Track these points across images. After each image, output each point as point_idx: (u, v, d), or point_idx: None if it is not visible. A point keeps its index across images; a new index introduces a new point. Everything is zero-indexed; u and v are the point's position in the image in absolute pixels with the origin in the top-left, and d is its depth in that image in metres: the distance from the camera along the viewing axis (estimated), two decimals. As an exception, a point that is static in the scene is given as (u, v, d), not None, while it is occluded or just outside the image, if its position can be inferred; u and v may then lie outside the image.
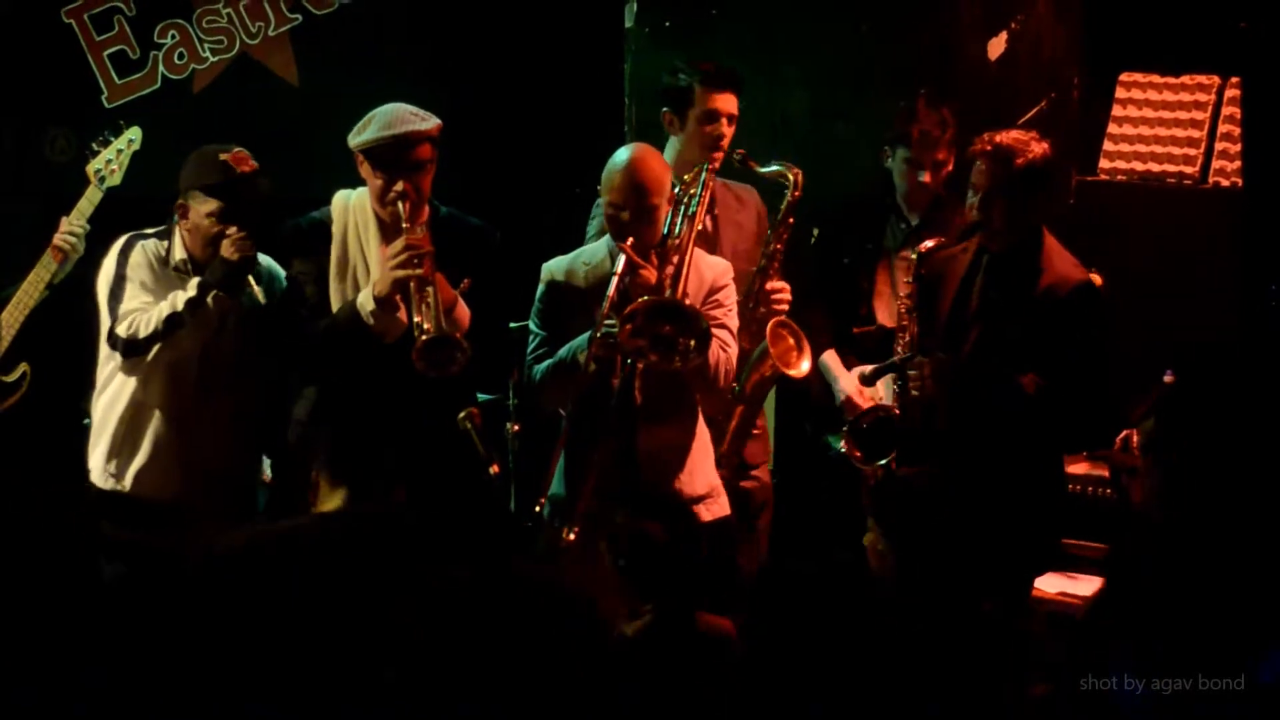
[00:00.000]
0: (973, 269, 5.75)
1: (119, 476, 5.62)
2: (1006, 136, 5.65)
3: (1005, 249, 5.69)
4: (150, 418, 5.63)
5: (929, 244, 5.77)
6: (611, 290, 5.36)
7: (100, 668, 3.62)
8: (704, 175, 5.89)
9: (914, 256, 5.77)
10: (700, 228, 6.05)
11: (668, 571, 4.49)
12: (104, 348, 5.62)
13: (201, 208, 5.52)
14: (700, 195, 5.79)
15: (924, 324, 5.71)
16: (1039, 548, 5.85)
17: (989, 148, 5.61)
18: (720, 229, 6.19)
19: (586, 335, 5.37)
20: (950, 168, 6.27)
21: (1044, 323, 5.59)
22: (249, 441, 5.81)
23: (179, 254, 5.59)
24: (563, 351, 5.49)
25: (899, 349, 5.74)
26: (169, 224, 5.64)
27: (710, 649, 4.45)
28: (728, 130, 6.14)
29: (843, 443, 5.88)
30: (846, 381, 6.17)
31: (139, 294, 5.54)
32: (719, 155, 6.11)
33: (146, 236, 5.64)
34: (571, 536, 5.40)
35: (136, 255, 5.58)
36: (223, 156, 5.51)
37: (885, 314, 6.32)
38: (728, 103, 6.14)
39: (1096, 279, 6.22)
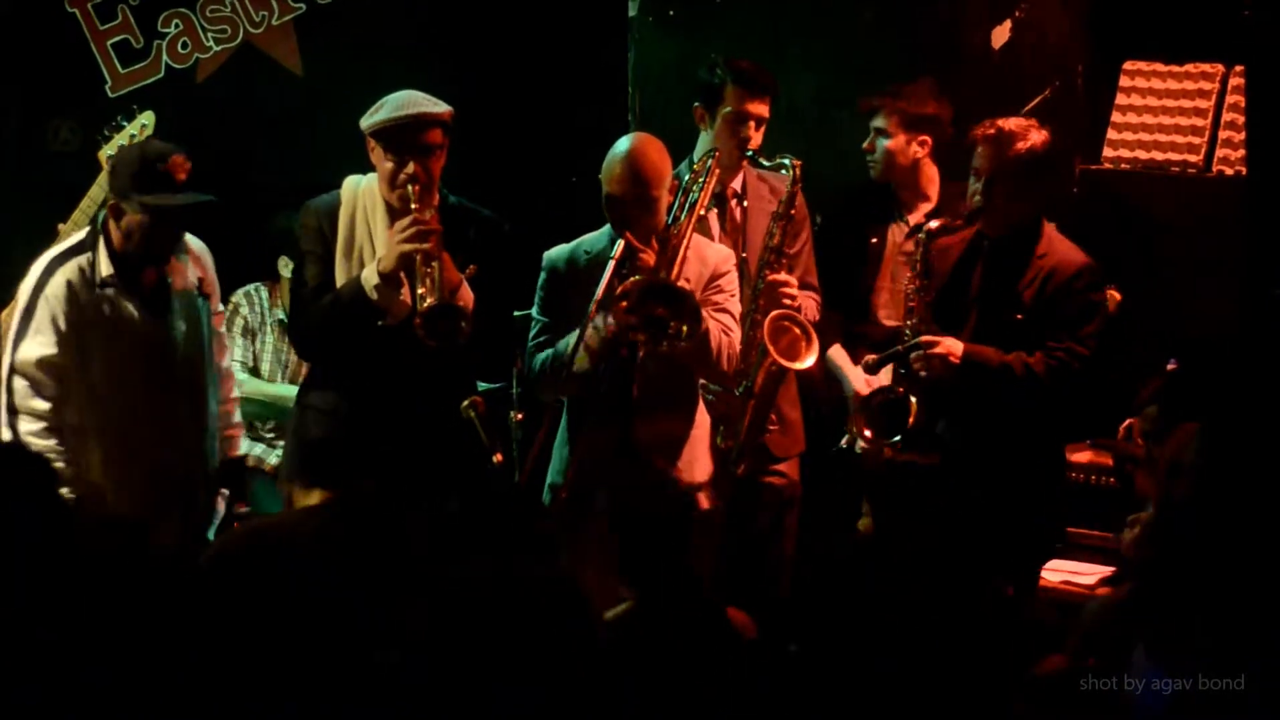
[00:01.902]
0: (970, 254, 5.77)
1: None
2: (1008, 123, 5.69)
3: (1004, 235, 5.70)
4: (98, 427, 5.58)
5: (934, 225, 5.78)
6: (607, 275, 5.37)
7: (97, 667, 3.62)
8: (710, 163, 5.90)
9: (921, 237, 5.76)
10: (729, 217, 6.11)
11: (659, 558, 4.48)
12: (4, 369, 5.52)
13: (135, 217, 5.44)
14: (705, 184, 5.79)
15: (932, 306, 5.71)
16: (1041, 534, 5.84)
17: (991, 133, 5.66)
18: (750, 219, 6.18)
19: (577, 332, 5.38)
20: (912, 151, 6.31)
21: (1047, 306, 5.61)
22: (203, 444, 5.76)
23: (105, 270, 5.50)
24: (558, 346, 5.51)
25: (905, 331, 5.72)
26: (94, 231, 5.55)
27: (726, 642, 4.46)
28: (755, 134, 6.13)
29: (854, 422, 5.88)
30: (855, 376, 6.19)
31: (46, 328, 5.46)
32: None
33: (68, 255, 5.52)
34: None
35: (55, 285, 5.48)
36: (162, 167, 5.41)
37: (885, 311, 6.33)
38: (758, 106, 6.12)
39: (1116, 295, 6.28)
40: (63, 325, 5.47)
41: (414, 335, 5.30)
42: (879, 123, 6.37)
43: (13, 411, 5.47)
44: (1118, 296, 6.31)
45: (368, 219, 5.59)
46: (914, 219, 6.36)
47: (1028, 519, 5.66)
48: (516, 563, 3.94)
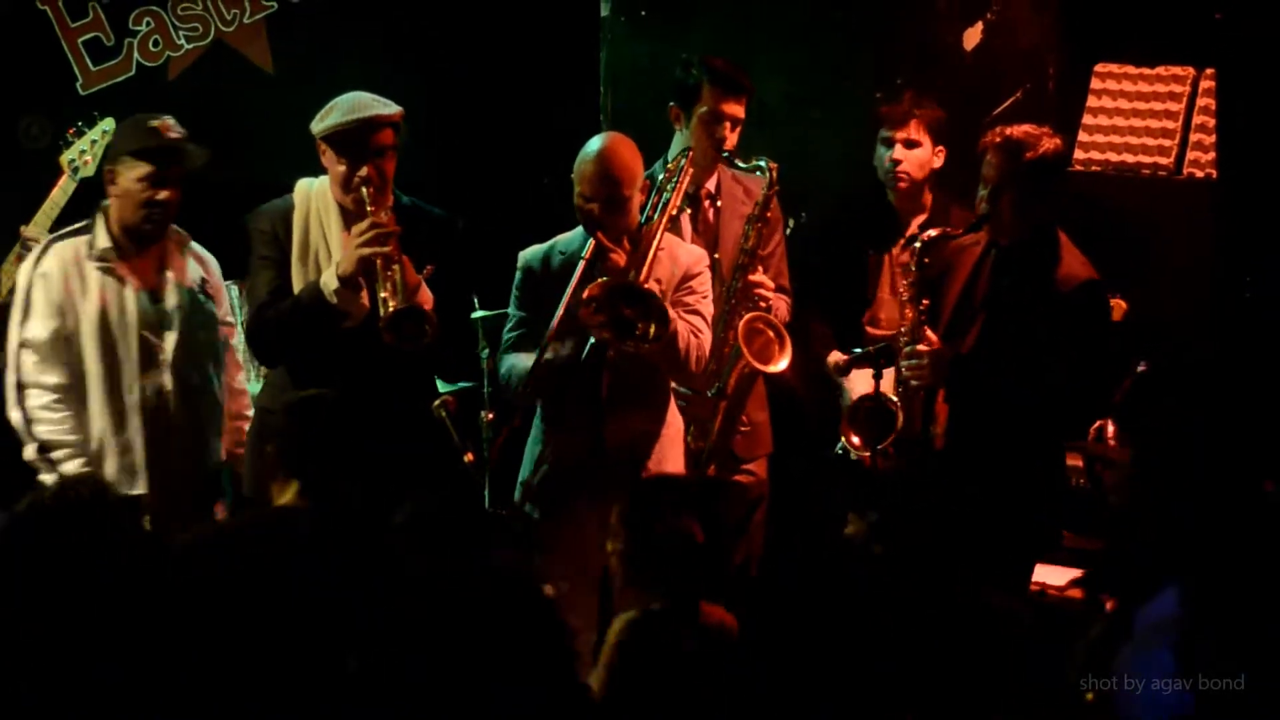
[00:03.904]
0: (981, 262, 5.69)
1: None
2: (1018, 130, 5.58)
3: (1013, 243, 5.61)
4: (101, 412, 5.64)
5: (932, 232, 5.70)
6: (577, 275, 5.36)
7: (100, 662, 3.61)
8: (683, 162, 5.89)
9: (917, 246, 5.70)
10: (701, 217, 6.12)
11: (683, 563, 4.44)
12: (11, 348, 5.60)
13: (131, 173, 5.53)
14: (677, 184, 5.79)
15: (925, 313, 5.66)
16: (1040, 536, 5.80)
17: (999, 140, 5.56)
18: (723, 220, 6.18)
19: (529, 365, 5.40)
20: (934, 161, 6.27)
21: (1047, 317, 5.52)
22: (209, 429, 5.82)
23: (102, 243, 5.60)
24: (516, 368, 5.51)
25: (900, 338, 5.66)
26: (94, 214, 5.65)
27: (712, 642, 4.44)
28: (730, 134, 6.11)
29: (841, 431, 5.87)
30: (855, 382, 6.11)
31: (44, 304, 5.57)
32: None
33: (66, 236, 5.65)
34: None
35: (49, 262, 5.60)
36: (152, 123, 5.55)
37: (883, 324, 6.28)
38: (733, 106, 6.10)
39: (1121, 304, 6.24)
40: (57, 299, 5.57)
41: (374, 337, 5.30)
42: (909, 134, 6.24)
43: (21, 387, 5.56)
44: (1124, 305, 6.29)
45: (322, 223, 5.59)
46: (910, 232, 6.28)
47: (1022, 519, 5.60)
48: (480, 559, 3.94)
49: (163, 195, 5.55)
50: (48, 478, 5.48)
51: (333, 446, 4.62)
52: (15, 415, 5.55)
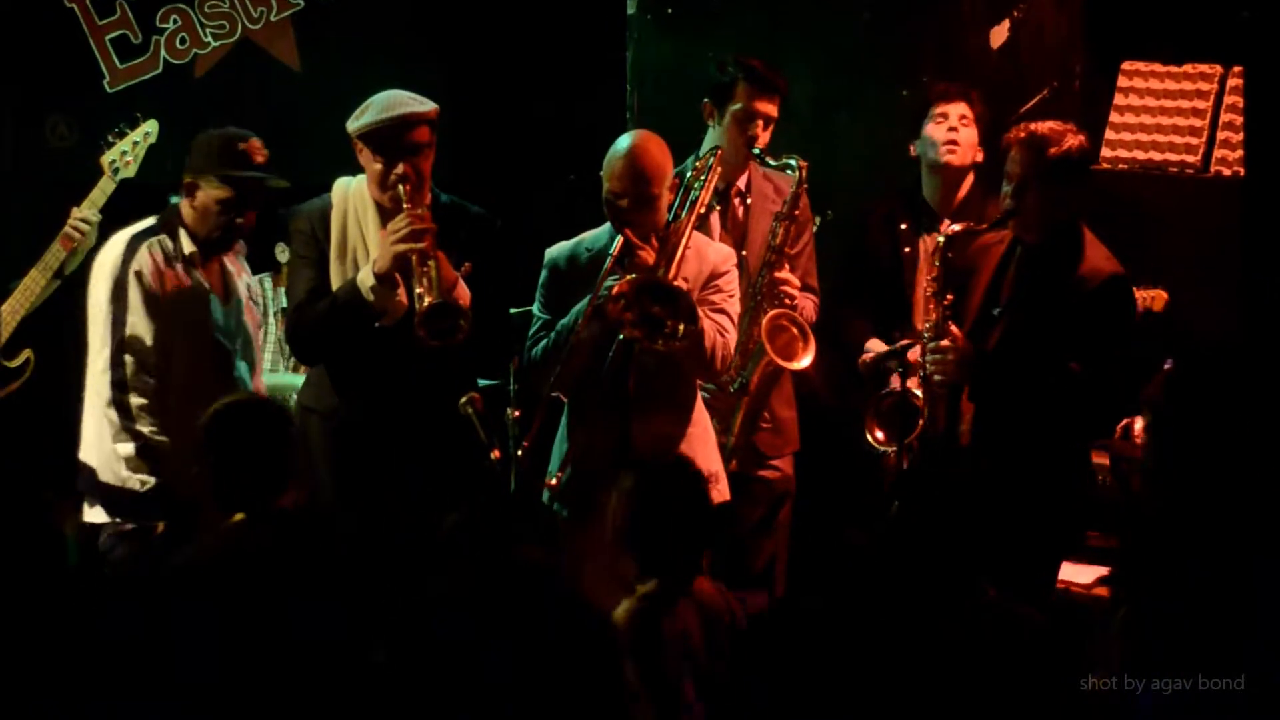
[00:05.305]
0: (1006, 260, 5.66)
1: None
2: (1042, 126, 5.55)
3: (1038, 240, 5.57)
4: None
5: (956, 228, 5.68)
6: (604, 273, 5.36)
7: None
8: (711, 161, 5.90)
9: (940, 240, 5.69)
10: (731, 215, 6.12)
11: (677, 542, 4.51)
12: (111, 343, 5.56)
13: (213, 193, 5.53)
14: (706, 182, 5.79)
15: (950, 309, 5.63)
16: (1065, 535, 5.78)
17: (1024, 135, 5.53)
18: (752, 218, 6.19)
19: (584, 303, 5.38)
20: (978, 153, 6.28)
21: (1073, 314, 5.47)
22: None
23: (188, 247, 5.59)
24: (563, 321, 5.49)
25: (924, 333, 5.64)
26: (168, 215, 5.63)
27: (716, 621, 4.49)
28: (763, 133, 6.13)
29: (865, 425, 5.87)
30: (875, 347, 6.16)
31: (141, 305, 5.53)
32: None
33: (147, 235, 5.61)
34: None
35: (142, 261, 5.56)
36: (241, 146, 5.54)
37: (918, 319, 6.26)
38: (767, 105, 6.13)
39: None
40: (155, 302, 5.55)
41: (411, 334, 5.31)
42: (961, 110, 6.29)
43: (123, 388, 5.51)
44: (1164, 296, 6.28)
45: (359, 221, 5.60)
46: (944, 228, 6.26)
47: (1046, 519, 5.58)
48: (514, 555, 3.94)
49: (241, 220, 5.60)
50: (147, 479, 5.49)
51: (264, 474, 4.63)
52: (113, 414, 5.50)
